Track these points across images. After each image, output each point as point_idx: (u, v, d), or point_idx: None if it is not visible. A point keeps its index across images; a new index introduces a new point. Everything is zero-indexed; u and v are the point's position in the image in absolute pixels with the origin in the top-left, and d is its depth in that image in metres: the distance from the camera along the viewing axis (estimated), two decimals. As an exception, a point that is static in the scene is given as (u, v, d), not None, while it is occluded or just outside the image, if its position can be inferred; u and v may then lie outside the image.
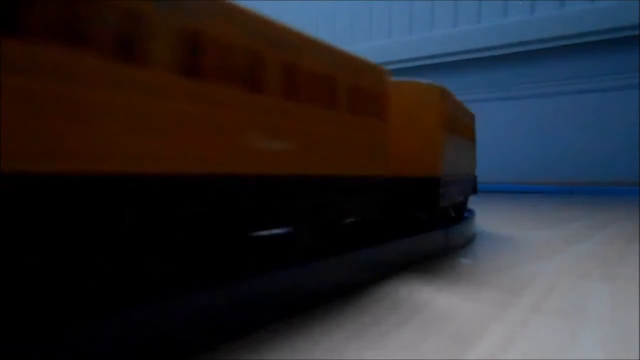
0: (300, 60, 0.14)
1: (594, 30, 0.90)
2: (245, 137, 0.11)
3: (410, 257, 0.19)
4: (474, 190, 0.32)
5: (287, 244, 0.13)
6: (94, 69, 0.08)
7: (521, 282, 0.17)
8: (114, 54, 0.08)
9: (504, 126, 1.02)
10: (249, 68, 0.12)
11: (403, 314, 0.13)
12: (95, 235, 0.08)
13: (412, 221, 0.22)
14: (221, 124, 0.11)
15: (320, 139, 0.14)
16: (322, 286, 0.14)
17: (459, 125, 0.25)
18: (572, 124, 0.95)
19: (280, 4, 1.31)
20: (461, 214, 0.28)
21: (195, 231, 0.10)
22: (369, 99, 0.17)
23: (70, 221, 0.08)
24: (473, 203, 0.36)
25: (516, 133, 1.00)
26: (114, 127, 0.08)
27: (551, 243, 0.27)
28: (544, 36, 0.94)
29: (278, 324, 0.12)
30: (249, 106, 0.12)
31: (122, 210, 0.09)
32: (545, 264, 0.21)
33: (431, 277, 0.18)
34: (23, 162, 0.07)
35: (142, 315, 0.09)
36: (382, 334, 0.12)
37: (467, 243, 0.26)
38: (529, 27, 0.96)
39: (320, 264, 0.14)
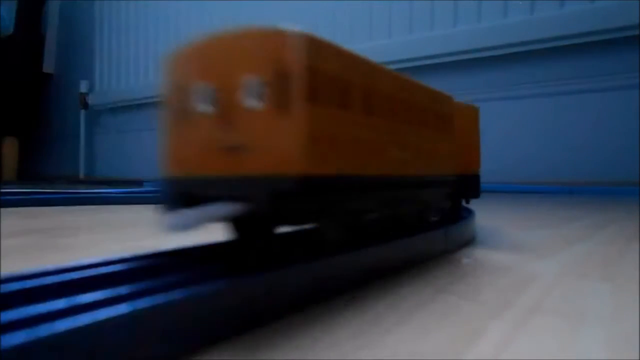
0: (414, 98, 0.20)
1: (594, 30, 0.90)
2: (389, 151, 0.18)
3: (411, 257, 0.19)
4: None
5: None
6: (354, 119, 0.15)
7: (521, 282, 0.17)
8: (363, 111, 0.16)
9: (503, 126, 1.02)
10: (391, 107, 0.18)
11: (403, 313, 0.13)
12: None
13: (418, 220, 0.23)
14: (381, 144, 0.17)
15: (422, 151, 0.20)
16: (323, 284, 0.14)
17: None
18: (572, 124, 0.95)
19: (280, 4, 1.31)
20: (452, 215, 0.27)
21: (362, 211, 0.17)
22: (444, 120, 0.23)
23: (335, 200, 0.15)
24: (473, 203, 0.36)
25: (516, 133, 1.00)
26: (357, 150, 0.15)
27: (551, 243, 0.27)
28: (544, 36, 0.94)
29: (278, 323, 0.12)
30: (390, 131, 0.17)
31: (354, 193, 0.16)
32: (545, 264, 0.21)
33: (431, 276, 0.18)
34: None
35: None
36: (383, 333, 0.12)
37: (467, 243, 0.26)
38: (529, 27, 0.95)
39: (322, 263, 0.14)
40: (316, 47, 0.13)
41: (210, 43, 0.14)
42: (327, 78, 0.13)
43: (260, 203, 0.12)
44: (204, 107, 0.13)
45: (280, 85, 0.12)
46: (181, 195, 0.14)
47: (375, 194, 0.17)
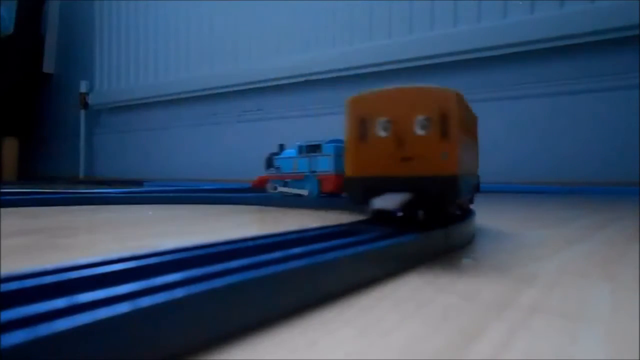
0: (472, 119, 0.27)
1: (594, 30, 0.90)
2: (469, 157, 0.25)
3: (411, 257, 0.20)
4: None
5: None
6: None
7: (521, 281, 0.17)
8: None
9: (503, 126, 1.02)
10: (468, 128, 0.25)
11: (403, 313, 0.13)
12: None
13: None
14: (468, 153, 0.24)
15: (471, 156, 0.27)
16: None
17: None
18: (572, 124, 0.95)
19: (280, 4, 1.32)
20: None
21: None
22: (475, 130, 0.30)
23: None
24: (473, 203, 0.36)
25: (516, 133, 1.00)
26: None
27: (551, 243, 0.27)
28: (544, 36, 0.94)
29: (278, 324, 0.12)
30: (468, 144, 0.24)
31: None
32: (545, 264, 0.21)
33: (432, 276, 0.18)
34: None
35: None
36: (383, 333, 0.12)
37: (467, 242, 0.26)
38: (529, 27, 0.96)
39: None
40: (460, 100, 0.22)
41: (387, 92, 0.22)
42: (462, 118, 0.22)
43: (430, 192, 0.21)
44: (382, 132, 0.22)
45: (442, 122, 0.21)
46: (367, 188, 0.22)
47: (468, 185, 0.25)
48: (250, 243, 0.16)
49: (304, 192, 0.56)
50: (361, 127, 0.23)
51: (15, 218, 0.44)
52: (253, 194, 0.64)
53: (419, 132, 0.21)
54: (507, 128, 1.01)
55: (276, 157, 0.61)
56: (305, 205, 0.54)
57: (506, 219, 0.44)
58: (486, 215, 0.42)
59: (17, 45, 1.76)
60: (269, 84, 1.34)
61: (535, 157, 0.98)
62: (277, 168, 0.60)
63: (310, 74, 1.26)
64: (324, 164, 0.54)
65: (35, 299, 0.09)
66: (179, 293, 0.10)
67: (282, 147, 0.63)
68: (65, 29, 1.95)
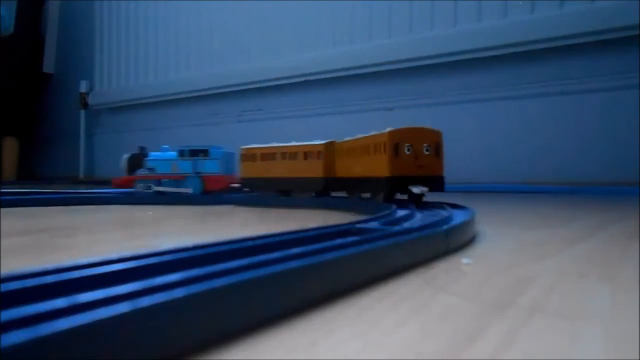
0: (423, 141, 0.43)
1: (594, 30, 0.90)
2: (417, 164, 0.42)
3: (411, 257, 0.20)
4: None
5: None
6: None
7: (521, 282, 0.17)
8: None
9: (504, 126, 1.02)
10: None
11: (404, 313, 0.13)
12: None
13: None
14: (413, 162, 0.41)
15: (428, 167, 0.42)
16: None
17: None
18: (572, 124, 0.95)
19: (280, 4, 1.31)
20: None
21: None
22: (439, 149, 0.42)
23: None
24: (473, 203, 0.36)
25: (516, 133, 1.00)
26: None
27: (552, 243, 0.27)
28: (544, 36, 0.94)
29: (278, 324, 0.12)
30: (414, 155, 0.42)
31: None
32: (545, 264, 0.21)
33: (431, 276, 0.18)
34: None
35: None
36: (383, 333, 0.12)
37: (467, 243, 0.26)
38: (529, 27, 0.96)
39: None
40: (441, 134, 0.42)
41: (410, 129, 0.41)
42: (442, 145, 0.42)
43: (432, 182, 0.40)
44: (407, 151, 0.40)
45: (436, 148, 0.41)
46: (399, 181, 0.40)
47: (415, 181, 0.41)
48: (250, 243, 0.16)
49: (187, 191, 0.64)
50: (395, 148, 0.41)
51: (15, 218, 0.44)
52: (120, 193, 0.67)
53: (425, 152, 0.41)
54: (507, 128, 1.01)
55: (148, 159, 0.67)
56: (189, 202, 0.62)
57: (506, 219, 0.44)
58: (486, 216, 0.42)
59: (17, 45, 1.76)
60: (269, 84, 1.34)
61: (536, 157, 0.98)
62: (151, 169, 0.66)
63: (310, 74, 1.26)
64: (212, 166, 0.64)
65: (36, 299, 0.09)
66: (178, 293, 0.10)
67: (143, 149, 0.69)
68: (65, 29, 1.95)
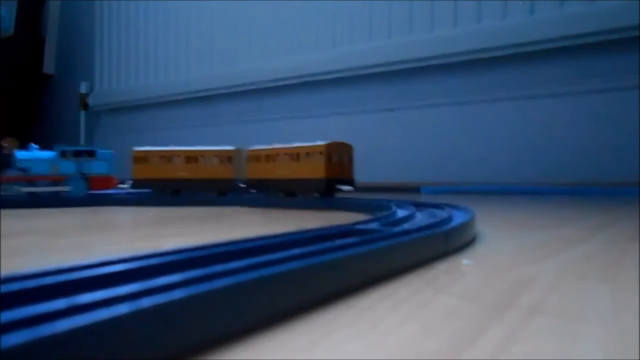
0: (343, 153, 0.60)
1: (594, 30, 0.90)
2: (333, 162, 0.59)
3: (411, 257, 0.20)
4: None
5: None
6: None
7: (521, 282, 0.17)
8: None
9: (504, 127, 1.02)
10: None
11: (404, 314, 0.13)
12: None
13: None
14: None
15: (346, 171, 0.61)
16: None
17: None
18: (572, 125, 0.95)
19: (280, 4, 1.32)
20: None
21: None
22: (352, 159, 0.61)
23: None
24: (473, 203, 0.36)
25: (516, 134, 1.00)
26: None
27: (551, 243, 0.27)
28: (544, 37, 0.94)
29: (278, 324, 0.12)
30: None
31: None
32: (545, 265, 0.21)
33: (431, 277, 0.18)
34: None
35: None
36: (383, 334, 0.12)
37: (467, 244, 0.26)
38: (529, 28, 0.96)
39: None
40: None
41: (337, 143, 0.59)
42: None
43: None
44: (335, 159, 0.59)
45: (350, 158, 0.61)
46: (331, 182, 0.58)
47: None
48: (250, 244, 0.16)
49: (67, 189, 0.64)
50: (329, 156, 0.56)
51: (16, 218, 0.44)
52: None
53: (345, 161, 0.59)
54: (507, 128, 1.01)
55: (19, 159, 0.64)
56: (71, 204, 0.63)
57: (506, 219, 0.44)
58: (486, 216, 0.42)
59: (17, 46, 1.77)
60: (269, 84, 1.34)
61: (536, 157, 0.98)
62: (24, 169, 0.64)
63: (310, 74, 1.26)
64: (99, 167, 0.67)
65: (36, 300, 0.09)
66: (179, 294, 0.10)
67: (3, 148, 0.68)
68: (65, 29, 1.95)
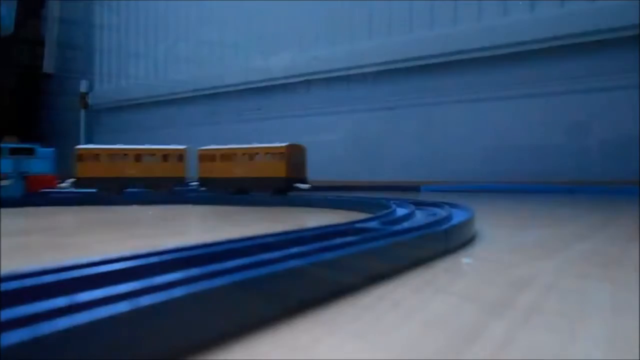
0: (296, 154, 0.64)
1: (594, 30, 0.90)
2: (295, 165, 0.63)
3: (411, 256, 0.20)
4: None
5: None
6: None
7: (521, 281, 0.17)
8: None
9: (503, 126, 1.02)
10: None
11: (403, 313, 0.13)
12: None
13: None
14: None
15: (300, 171, 0.65)
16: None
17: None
18: (572, 124, 0.95)
19: (280, 4, 1.31)
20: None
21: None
22: (305, 160, 0.65)
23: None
24: (473, 203, 0.36)
25: (516, 133, 1.00)
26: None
27: (551, 242, 0.27)
28: (544, 36, 0.94)
29: (278, 323, 0.12)
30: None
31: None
32: (545, 264, 0.21)
33: (431, 276, 0.18)
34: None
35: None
36: (383, 333, 0.12)
37: (467, 242, 0.26)
38: (529, 27, 0.96)
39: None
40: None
41: (293, 145, 0.63)
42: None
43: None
44: (292, 160, 0.63)
45: (303, 159, 0.66)
46: (290, 181, 0.62)
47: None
48: (250, 242, 0.16)
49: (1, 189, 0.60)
50: (288, 157, 0.61)
51: (16, 218, 0.44)
52: None
53: (299, 160, 0.64)
54: (506, 128, 1.01)
55: None
56: (5, 205, 0.57)
57: (506, 218, 0.44)
58: (486, 215, 0.42)
59: (17, 45, 1.76)
60: (269, 83, 1.34)
61: (536, 156, 0.98)
62: None
63: (310, 74, 1.26)
64: (39, 166, 0.63)
65: (36, 298, 0.09)
66: (178, 292, 0.10)
67: None
68: (65, 29, 1.95)
